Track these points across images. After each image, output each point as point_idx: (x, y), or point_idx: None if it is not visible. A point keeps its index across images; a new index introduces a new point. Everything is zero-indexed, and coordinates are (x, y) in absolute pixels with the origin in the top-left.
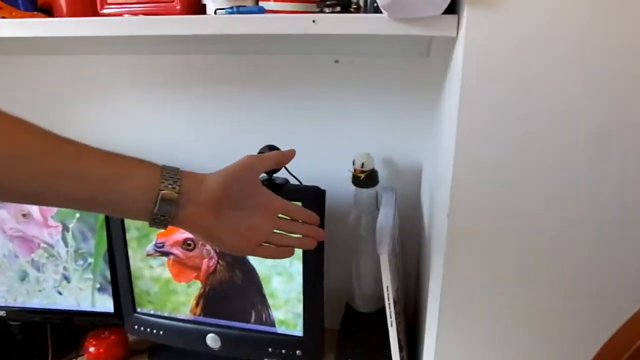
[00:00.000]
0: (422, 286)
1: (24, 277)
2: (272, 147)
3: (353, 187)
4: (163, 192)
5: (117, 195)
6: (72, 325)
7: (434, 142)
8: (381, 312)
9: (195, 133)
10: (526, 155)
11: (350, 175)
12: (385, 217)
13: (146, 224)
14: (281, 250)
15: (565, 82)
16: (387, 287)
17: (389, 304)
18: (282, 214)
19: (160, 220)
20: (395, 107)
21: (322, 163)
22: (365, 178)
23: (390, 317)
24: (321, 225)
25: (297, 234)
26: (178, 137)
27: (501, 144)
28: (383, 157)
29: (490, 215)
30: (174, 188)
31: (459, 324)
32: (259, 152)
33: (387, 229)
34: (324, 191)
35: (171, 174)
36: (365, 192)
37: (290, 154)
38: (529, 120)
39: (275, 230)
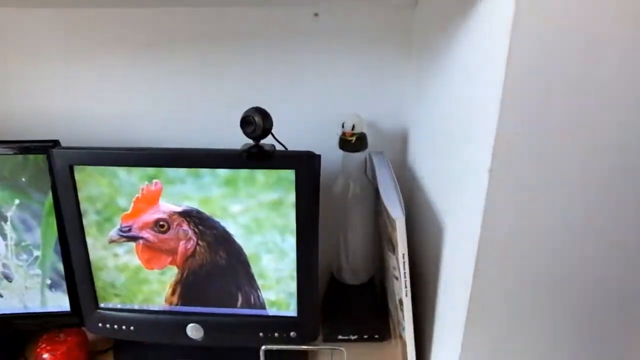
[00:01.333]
0: (426, 249)
1: None
2: (259, 110)
3: (339, 152)
4: None
5: None
6: (13, 331)
7: (430, 98)
8: (369, 284)
9: (156, 100)
10: (583, 111)
11: (337, 138)
12: (386, 181)
13: (107, 204)
14: None
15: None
16: (403, 254)
17: (404, 272)
18: None
19: None
20: (379, 64)
21: (302, 126)
22: (356, 141)
23: (406, 287)
24: (316, 194)
25: None
26: (135, 106)
27: (554, 98)
28: (366, 119)
29: (534, 174)
30: None
31: (496, 291)
32: (245, 115)
33: (393, 192)
34: (319, 156)
35: None
36: (355, 157)
37: None
38: (592, 69)
39: None
